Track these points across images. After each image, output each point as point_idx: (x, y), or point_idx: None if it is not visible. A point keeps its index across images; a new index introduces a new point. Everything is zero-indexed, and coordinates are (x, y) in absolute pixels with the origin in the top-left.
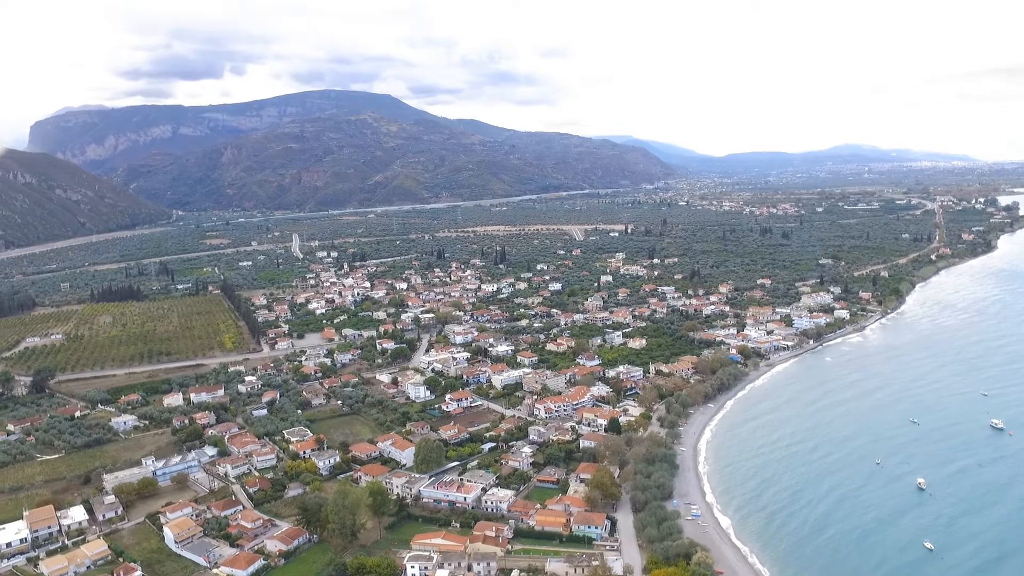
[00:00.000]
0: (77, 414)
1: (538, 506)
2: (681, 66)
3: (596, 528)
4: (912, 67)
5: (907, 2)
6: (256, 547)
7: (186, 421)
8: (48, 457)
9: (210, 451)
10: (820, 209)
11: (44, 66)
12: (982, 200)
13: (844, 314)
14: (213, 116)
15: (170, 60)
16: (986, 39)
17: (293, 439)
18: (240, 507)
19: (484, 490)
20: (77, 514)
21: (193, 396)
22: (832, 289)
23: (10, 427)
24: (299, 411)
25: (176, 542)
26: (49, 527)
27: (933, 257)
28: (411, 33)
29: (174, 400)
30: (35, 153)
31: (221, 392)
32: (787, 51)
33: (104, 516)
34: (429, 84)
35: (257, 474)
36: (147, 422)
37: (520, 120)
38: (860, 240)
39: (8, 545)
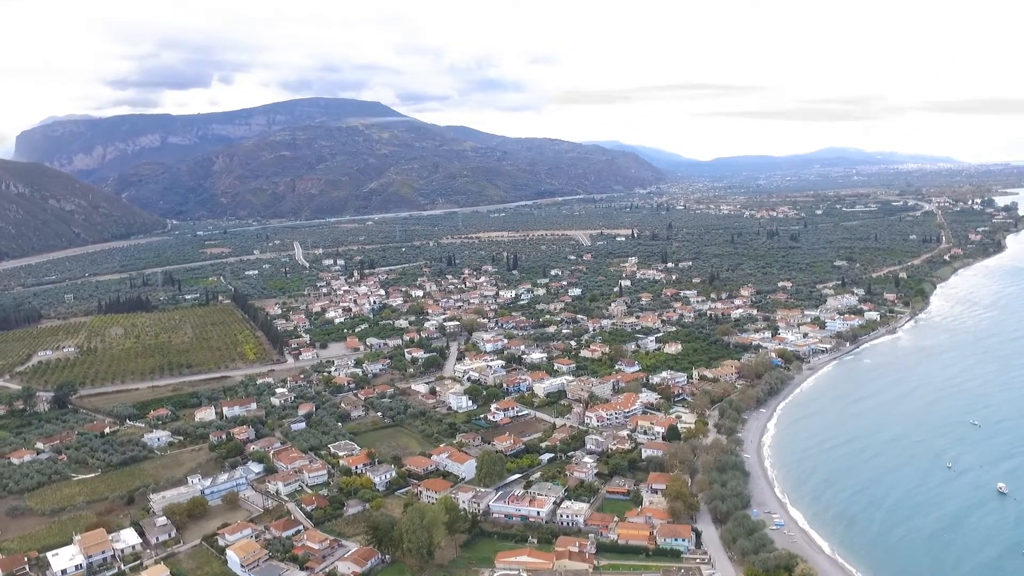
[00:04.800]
0: (106, 431)
1: (616, 519)
2: (666, 70)
3: (683, 540)
4: (902, 73)
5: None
6: (327, 569)
7: (224, 436)
8: (84, 476)
9: (255, 468)
10: (819, 211)
11: (29, 75)
12: (978, 201)
13: (874, 316)
14: (202, 125)
15: (158, 70)
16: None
17: (341, 453)
18: (301, 527)
19: (556, 503)
20: (129, 537)
21: (226, 410)
22: (855, 291)
23: (39, 445)
24: (339, 424)
25: (242, 566)
26: (103, 552)
27: (947, 258)
28: (400, 41)
29: (206, 414)
30: (27, 163)
31: (254, 405)
32: (773, 55)
33: (157, 539)
34: (417, 91)
35: (310, 491)
36: (181, 438)
37: (508, 126)
38: (869, 242)
39: (63, 572)
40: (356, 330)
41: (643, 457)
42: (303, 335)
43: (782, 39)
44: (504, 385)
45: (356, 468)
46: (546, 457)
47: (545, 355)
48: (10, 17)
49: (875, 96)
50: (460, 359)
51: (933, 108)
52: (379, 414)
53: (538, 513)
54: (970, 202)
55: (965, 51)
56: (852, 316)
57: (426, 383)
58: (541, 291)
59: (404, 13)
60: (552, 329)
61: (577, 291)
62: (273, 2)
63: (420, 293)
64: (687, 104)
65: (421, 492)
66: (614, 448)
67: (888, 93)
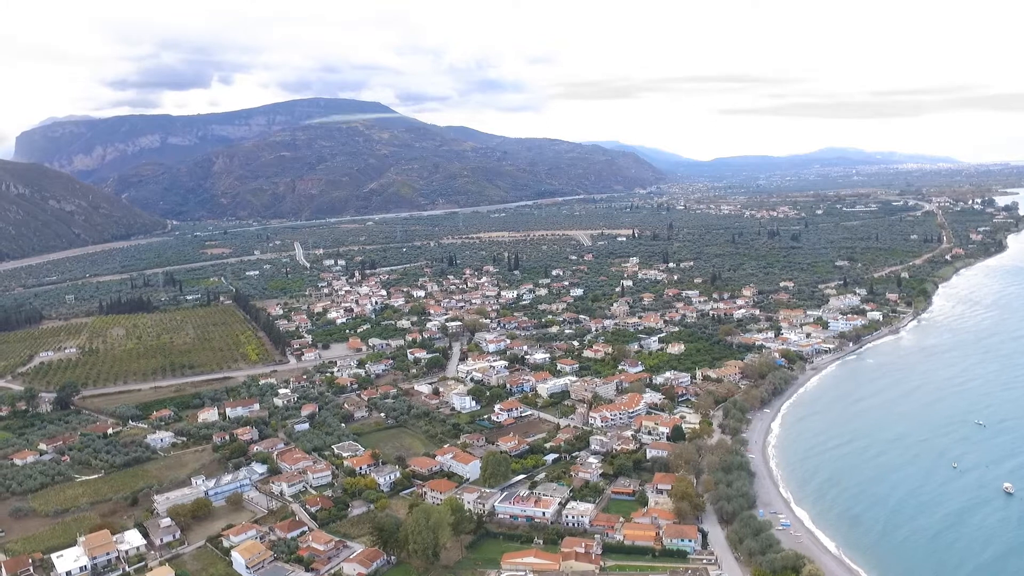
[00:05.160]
0: (109, 431)
1: (622, 519)
2: (667, 65)
3: (689, 541)
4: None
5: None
6: (332, 571)
7: (227, 437)
8: (87, 477)
9: (259, 468)
10: (819, 211)
11: (29, 76)
12: (979, 201)
13: (877, 316)
14: (202, 125)
15: (157, 70)
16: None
17: (345, 454)
18: (306, 528)
19: (561, 504)
20: (133, 538)
21: (229, 411)
22: (858, 291)
23: (42, 446)
24: (343, 424)
25: (247, 567)
26: (108, 553)
27: (948, 257)
28: (399, 41)
29: (209, 415)
30: (27, 163)
31: (257, 406)
32: (767, 55)
33: (162, 540)
34: (417, 92)
35: (314, 492)
36: (184, 439)
37: (507, 126)
38: (870, 241)
39: (68, 574)
40: (358, 331)
41: (648, 457)
42: (305, 336)
43: (784, 33)
44: (507, 386)
45: (360, 469)
46: (550, 458)
47: (548, 355)
48: (10, 18)
49: (883, 91)
50: (463, 359)
51: (948, 106)
52: (382, 415)
53: (543, 514)
54: (970, 202)
55: (965, 46)
56: (855, 316)
57: (429, 384)
58: (543, 291)
59: (404, 13)
60: (554, 329)
61: (579, 291)
62: (273, 3)
63: (422, 293)
64: (692, 99)
65: (426, 493)
66: (618, 448)
67: (900, 88)
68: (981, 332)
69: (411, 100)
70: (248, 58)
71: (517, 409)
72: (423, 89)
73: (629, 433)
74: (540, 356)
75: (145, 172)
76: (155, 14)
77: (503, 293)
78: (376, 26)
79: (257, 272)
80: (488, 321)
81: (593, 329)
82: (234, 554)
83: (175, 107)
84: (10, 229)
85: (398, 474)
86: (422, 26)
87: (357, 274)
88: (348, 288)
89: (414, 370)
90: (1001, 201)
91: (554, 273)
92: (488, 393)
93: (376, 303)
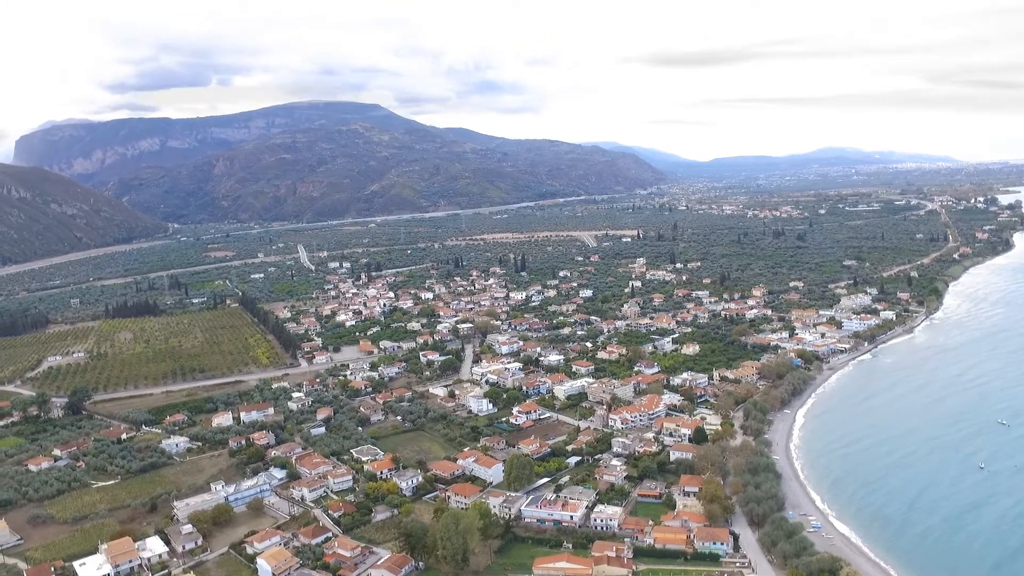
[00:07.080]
0: (123, 436)
1: (651, 523)
2: (661, 69)
3: (721, 544)
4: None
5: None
6: None
7: (243, 442)
8: (104, 483)
9: (278, 473)
10: (822, 211)
11: (28, 80)
12: (981, 199)
13: (890, 315)
14: (201, 128)
15: (156, 73)
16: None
17: (365, 458)
18: (330, 534)
19: (588, 507)
20: (155, 546)
21: (243, 415)
22: (868, 290)
23: (56, 452)
24: (359, 428)
25: (274, 574)
26: (130, 561)
27: (956, 256)
28: (398, 43)
29: (223, 419)
30: (28, 167)
31: (271, 410)
32: (766, 54)
33: (184, 547)
34: (416, 94)
35: (335, 497)
36: (200, 443)
37: (506, 128)
38: (876, 241)
39: None
40: (368, 333)
41: (671, 460)
42: (315, 338)
43: (763, 39)
44: (523, 388)
45: (381, 473)
46: (573, 460)
47: (562, 357)
48: (9, 20)
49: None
50: (476, 362)
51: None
52: (399, 418)
53: (571, 517)
54: (972, 201)
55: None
56: (868, 316)
57: (444, 386)
58: (551, 292)
59: (403, 15)
60: (566, 331)
61: (588, 292)
62: (272, 5)
63: (430, 295)
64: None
65: (450, 497)
66: (641, 451)
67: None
68: (995, 330)
69: (410, 102)
70: (247, 60)
71: (535, 411)
72: (422, 91)
73: (651, 435)
74: (554, 358)
75: (145, 175)
76: (154, 16)
77: (512, 294)
78: (375, 28)
79: (262, 275)
80: (499, 323)
81: (606, 330)
82: (259, 561)
83: (174, 110)
84: (12, 233)
85: (420, 478)
86: (421, 28)
87: (363, 276)
88: (355, 291)
89: (428, 373)
90: (1003, 200)
91: (561, 274)
92: (505, 395)
93: (384, 305)
